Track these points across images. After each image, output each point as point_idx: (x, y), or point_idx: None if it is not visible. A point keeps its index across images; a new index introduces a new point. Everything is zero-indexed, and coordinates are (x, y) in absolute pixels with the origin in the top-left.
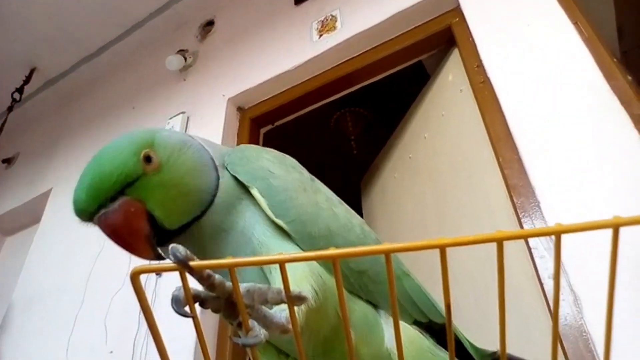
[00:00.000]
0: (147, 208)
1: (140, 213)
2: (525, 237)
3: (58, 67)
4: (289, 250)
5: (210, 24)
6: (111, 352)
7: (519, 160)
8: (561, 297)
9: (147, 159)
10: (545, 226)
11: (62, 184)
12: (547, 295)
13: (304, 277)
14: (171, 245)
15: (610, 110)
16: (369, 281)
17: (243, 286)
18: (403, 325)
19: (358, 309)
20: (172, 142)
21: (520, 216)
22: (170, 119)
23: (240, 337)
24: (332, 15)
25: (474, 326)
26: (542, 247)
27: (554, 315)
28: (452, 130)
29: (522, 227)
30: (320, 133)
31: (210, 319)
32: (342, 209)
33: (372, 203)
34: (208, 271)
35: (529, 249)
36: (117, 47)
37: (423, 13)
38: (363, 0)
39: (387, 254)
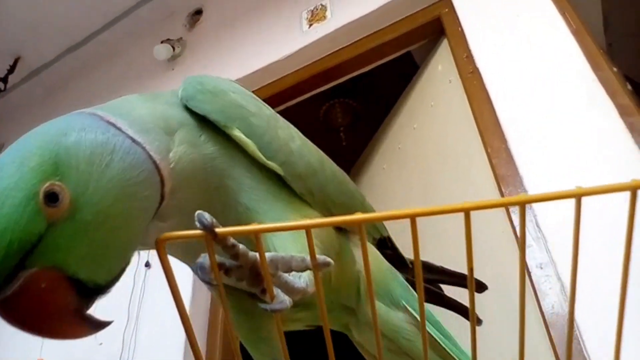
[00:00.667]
0: (67, 273)
1: (57, 286)
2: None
3: (43, 56)
4: (281, 209)
5: (198, 12)
6: (100, 344)
7: (507, 149)
8: (548, 286)
9: (51, 197)
10: (532, 218)
11: None
12: (535, 285)
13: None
14: (197, 212)
15: (597, 100)
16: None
17: (266, 255)
18: (369, 245)
19: (335, 238)
20: (85, 153)
21: (509, 206)
22: None
23: (266, 303)
24: (322, 5)
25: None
26: (530, 237)
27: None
28: (441, 120)
29: (509, 215)
30: (309, 123)
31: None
32: (309, 142)
33: None
34: (232, 240)
35: (517, 239)
36: (103, 37)
37: (413, 3)
38: None
39: (413, 217)
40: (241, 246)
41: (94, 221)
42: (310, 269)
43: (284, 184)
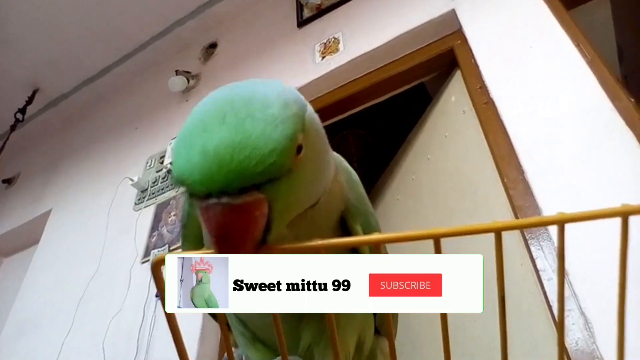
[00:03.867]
0: (271, 213)
1: (262, 220)
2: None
3: (60, 88)
4: None
5: (213, 46)
6: None
7: (524, 180)
8: (571, 321)
9: (299, 148)
10: (552, 250)
11: (62, 204)
12: (557, 319)
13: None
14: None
15: (616, 131)
16: None
17: None
18: None
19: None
20: (315, 127)
21: (527, 237)
22: (173, 139)
23: None
24: (335, 38)
25: (481, 349)
26: (549, 270)
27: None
28: (455, 151)
29: (529, 248)
30: None
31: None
32: None
33: None
34: None
35: (537, 271)
36: (119, 69)
37: (425, 35)
38: (365, 22)
39: (437, 238)
40: None
41: (302, 182)
42: None
43: None
